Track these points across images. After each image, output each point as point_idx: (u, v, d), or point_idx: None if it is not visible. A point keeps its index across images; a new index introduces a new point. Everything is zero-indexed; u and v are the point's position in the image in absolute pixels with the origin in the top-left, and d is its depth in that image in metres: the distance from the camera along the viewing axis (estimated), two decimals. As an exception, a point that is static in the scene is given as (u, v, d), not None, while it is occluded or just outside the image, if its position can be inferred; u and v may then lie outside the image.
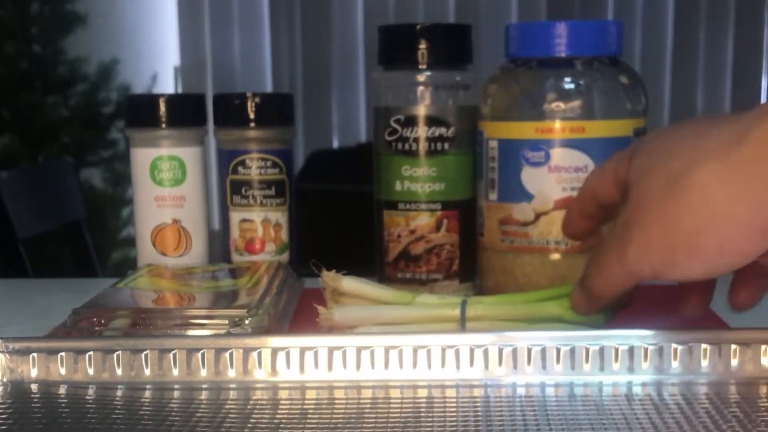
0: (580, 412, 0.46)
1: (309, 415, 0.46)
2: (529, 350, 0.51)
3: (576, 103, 0.65)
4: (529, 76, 0.67)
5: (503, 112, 0.67)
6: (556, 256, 0.66)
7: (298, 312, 0.68)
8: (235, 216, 0.75)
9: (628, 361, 0.51)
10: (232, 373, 0.51)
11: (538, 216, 0.66)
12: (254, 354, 0.51)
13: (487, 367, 0.51)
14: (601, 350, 0.51)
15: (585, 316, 0.56)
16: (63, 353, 0.52)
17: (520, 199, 0.66)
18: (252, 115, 0.74)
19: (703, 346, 0.51)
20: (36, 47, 2.34)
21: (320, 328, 0.58)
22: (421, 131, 0.69)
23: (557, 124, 0.65)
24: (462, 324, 0.58)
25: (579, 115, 0.65)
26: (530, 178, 0.66)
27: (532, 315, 0.57)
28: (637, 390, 0.49)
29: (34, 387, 0.51)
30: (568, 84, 0.66)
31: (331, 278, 0.60)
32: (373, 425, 0.45)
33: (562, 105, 0.65)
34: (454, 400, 0.49)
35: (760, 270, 0.52)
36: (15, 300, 0.79)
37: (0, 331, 0.66)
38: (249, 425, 0.45)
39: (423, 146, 0.69)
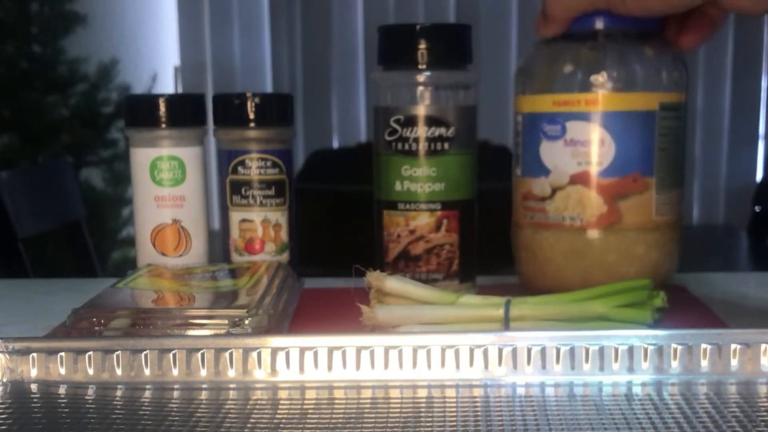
0: (579, 412, 0.46)
1: (309, 415, 0.46)
2: (529, 350, 0.51)
3: (594, 76, 0.63)
4: (551, 48, 0.66)
5: (526, 86, 0.66)
6: (571, 232, 0.65)
7: (298, 312, 0.68)
8: (235, 216, 0.75)
9: (627, 361, 0.51)
10: (232, 373, 0.51)
11: (554, 191, 0.65)
12: (254, 354, 0.51)
13: (486, 367, 0.51)
14: (601, 350, 0.51)
15: (630, 315, 0.56)
16: (63, 353, 0.52)
17: (539, 174, 0.65)
18: (252, 115, 0.74)
19: (703, 346, 0.51)
20: (36, 47, 2.34)
21: (364, 327, 0.58)
22: (421, 131, 0.69)
23: (573, 97, 0.64)
24: (506, 324, 0.58)
25: (596, 88, 0.64)
26: (547, 152, 0.64)
27: (577, 314, 0.57)
28: (636, 390, 0.49)
29: (34, 387, 0.51)
30: (586, 56, 0.64)
31: (375, 278, 0.61)
32: (373, 425, 0.45)
33: (579, 77, 0.64)
34: (454, 400, 0.48)
35: (708, 19, 0.62)
36: (15, 300, 0.79)
37: (0, 331, 0.66)
38: (249, 425, 0.45)
39: (423, 146, 0.69)
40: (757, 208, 2.50)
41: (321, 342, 0.52)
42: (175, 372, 0.51)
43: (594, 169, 0.64)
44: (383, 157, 0.71)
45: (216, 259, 0.77)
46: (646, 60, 0.64)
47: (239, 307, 0.59)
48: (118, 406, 0.48)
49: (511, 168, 0.70)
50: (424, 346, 0.51)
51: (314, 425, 0.45)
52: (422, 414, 0.46)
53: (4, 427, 0.45)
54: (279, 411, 0.47)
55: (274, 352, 0.51)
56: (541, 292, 0.62)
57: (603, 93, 0.63)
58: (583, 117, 0.63)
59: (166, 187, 0.75)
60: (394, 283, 0.61)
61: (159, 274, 0.71)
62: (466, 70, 0.71)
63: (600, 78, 0.63)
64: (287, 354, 0.51)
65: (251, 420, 0.46)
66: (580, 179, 0.64)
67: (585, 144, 0.63)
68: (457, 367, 0.51)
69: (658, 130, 0.64)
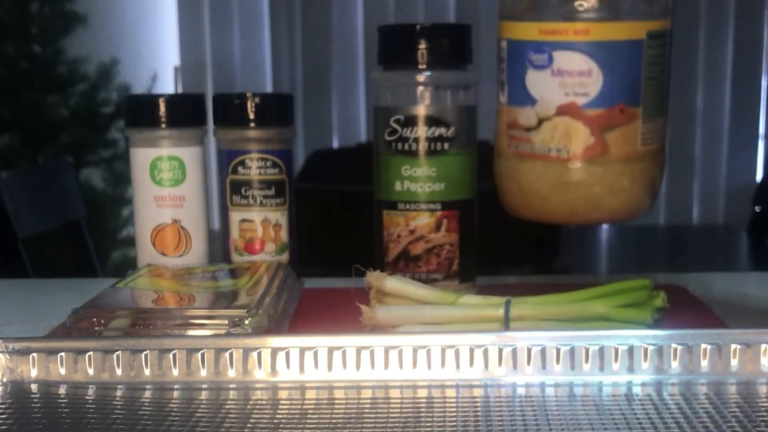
0: (579, 412, 0.46)
1: (309, 415, 0.46)
2: (529, 350, 0.51)
3: (580, 3, 0.62)
4: None
5: (511, 12, 0.65)
6: (557, 164, 0.64)
7: (298, 312, 0.68)
8: (235, 216, 0.75)
9: (627, 361, 0.51)
10: (232, 373, 0.51)
11: (540, 121, 0.63)
12: (254, 354, 0.51)
13: (487, 367, 0.51)
14: (601, 350, 0.51)
15: (630, 315, 0.57)
16: (63, 353, 0.52)
17: (524, 103, 0.63)
18: (252, 115, 0.74)
19: (703, 346, 0.51)
20: (36, 47, 2.34)
21: (364, 327, 0.58)
22: (421, 131, 0.69)
23: (561, 26, 0.62)
24: (506, 324, 0.58)
25: (583, 17, 0.62)
26: (534, 81, 0.63)
27: (577, 314, 0.57)
28: (637, 390, 0.49)
29: (34, 387, 0.51)
30: None
31: (375, 278, 0.61)
32: (373, 425, 0.45)
33: (566, 5, 0.62)
34: (454, 400, 0.48)
35: None
36: (15, 300, 0.79)
37: (0, 331, 0.66)
38: (249, 425, 0.45)
39: (423, 146, 0.69)
40: (757, 208, 2.50)
41: (321, 342, 0.52)
42: (175, 372, 0.51)
43: (581, 100, 0.62)
44: (383, 157, 0.71)
45: (216, 259, 0.77)
46: None
47: (239, 307, 0.59)
48: (118, 406, 0.48)
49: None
50: (424, 346, 0.51)
51: (314, 425, 0.45)
52: (422, 414, 0.46)
53: (4, 427, 0.45)
54: (279, 411, 0.47)
55: (274, 352, 0.51)
56: (526, 221, 0.62)
57: (592, 23, 0.62)
58: (571, 47, 0.62)
59: (166, 187, 0.75)
60: (394, 283, 0.61)
61: (159, 274, 0.71)
62: (466, 70, 0.71)
63: (588, 5, 0.62)
64: (287, 354, 0.51)
65: (251, 420, 0.46)
66: (567, 110, 0.62)
67: (573, 74, 0.62)
68: (457, 367, 0.51)
69: (645, 59, 0.63)
